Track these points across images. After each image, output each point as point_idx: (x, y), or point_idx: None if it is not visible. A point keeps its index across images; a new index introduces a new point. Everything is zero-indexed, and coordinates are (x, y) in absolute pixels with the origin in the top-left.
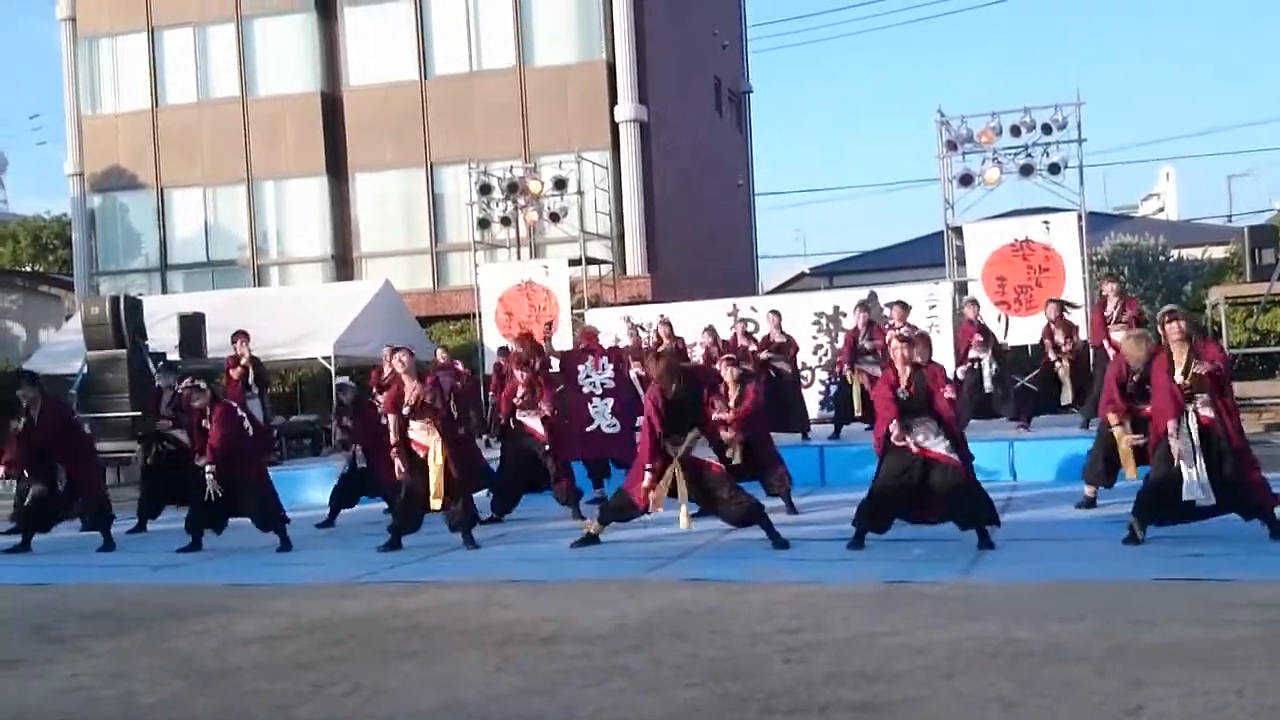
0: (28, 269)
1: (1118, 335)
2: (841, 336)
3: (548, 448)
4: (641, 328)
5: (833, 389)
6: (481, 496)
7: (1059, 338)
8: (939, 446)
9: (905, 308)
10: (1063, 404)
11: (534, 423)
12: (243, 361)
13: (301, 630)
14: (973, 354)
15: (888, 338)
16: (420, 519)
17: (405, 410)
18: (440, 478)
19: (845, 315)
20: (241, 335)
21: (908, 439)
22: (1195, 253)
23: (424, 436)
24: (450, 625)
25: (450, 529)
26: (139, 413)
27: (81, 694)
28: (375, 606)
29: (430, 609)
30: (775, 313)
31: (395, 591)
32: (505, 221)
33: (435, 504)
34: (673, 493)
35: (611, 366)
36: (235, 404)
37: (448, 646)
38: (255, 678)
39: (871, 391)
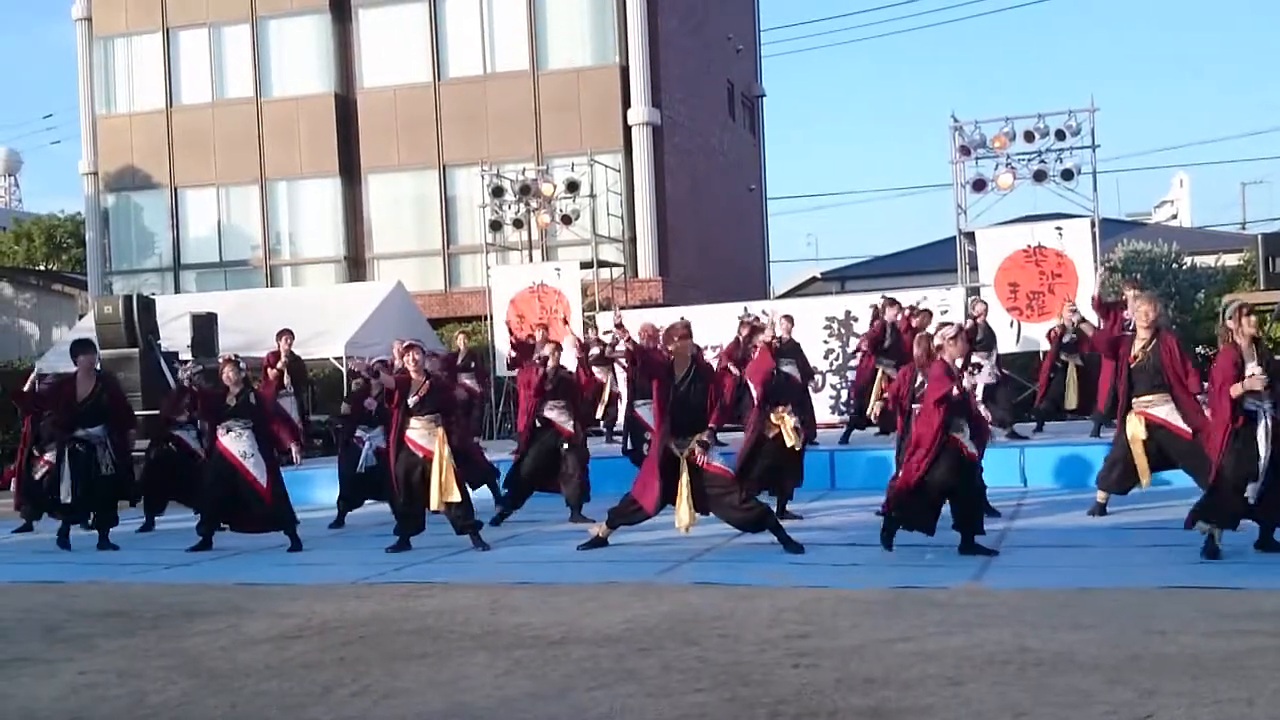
0: (41, 268)
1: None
2: (865, 334)
3: (566, 446)
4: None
5: (843, 394)
6: (482, 495)
7: (1068, 340)
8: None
9: (927, 315)
10: (1068, 408)
11: (561, 419)
12: (282, 361)
13: (311, 630)
14: (975, 358)
15: (935, 333)
16: (422, 519)
17: (412, 401)
18: (441, 478)
19: (857, 320)
20: (286, 333)
21: (962, 440)
22: (1208, 260)
23: (424, 438)
24: (459, 627)
25: (457, 531)
26: (152, 411)
27: (91, 692)
28: (385, 607)
29: (439, 611)
30: (787, 317)
31: (404, 593)
32: (517, 224)
33: (434, 505)
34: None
35: None
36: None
37: (457, 649)
38: (265, 677)
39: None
